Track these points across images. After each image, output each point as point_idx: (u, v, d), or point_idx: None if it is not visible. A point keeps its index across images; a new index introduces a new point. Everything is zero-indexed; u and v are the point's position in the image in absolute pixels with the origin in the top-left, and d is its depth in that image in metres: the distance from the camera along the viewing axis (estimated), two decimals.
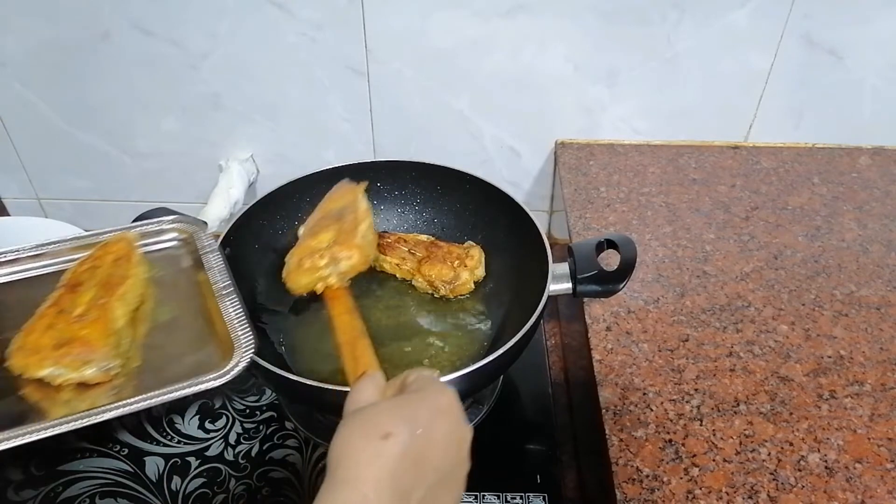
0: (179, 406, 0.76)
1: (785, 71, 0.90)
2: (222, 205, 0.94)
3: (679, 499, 0.55)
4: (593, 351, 0.68)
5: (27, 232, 0.85)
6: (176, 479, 0.69)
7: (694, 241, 0.81)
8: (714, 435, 0.60)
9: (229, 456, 0.72)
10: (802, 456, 0.58)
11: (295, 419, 0.75)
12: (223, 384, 0.53)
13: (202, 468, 0.70)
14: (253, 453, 0.72)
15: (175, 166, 1.05)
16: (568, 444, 0.76)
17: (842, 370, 0.66)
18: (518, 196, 0.77)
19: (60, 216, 1.06)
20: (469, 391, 0.70)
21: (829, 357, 0.67)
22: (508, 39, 0.89)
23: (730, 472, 0.57)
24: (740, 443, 0.59)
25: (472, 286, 0.78)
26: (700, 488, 0.56)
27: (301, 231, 0.70)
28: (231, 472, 0.70)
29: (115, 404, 0.51)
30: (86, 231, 0.69)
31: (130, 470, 0.70)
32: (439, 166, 0.83)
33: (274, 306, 0.76)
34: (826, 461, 0.58)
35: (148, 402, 0.52)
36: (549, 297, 0.65)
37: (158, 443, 0.73)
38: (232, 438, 0.73)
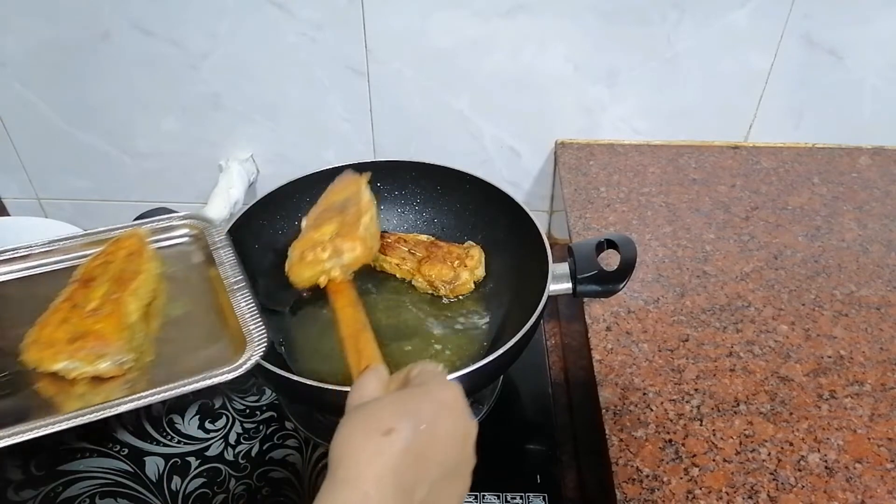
0: (179, 406, 0.76)
1: (785, 71, 0.90)
2: (222, 205, 0.94)
3: (679, 499, 0.55)
4: (593, 351, 0.68)
5: (27, 232, 0.85)
6: (176, 479, 0.69)
7: (694, 241, 0.81)
8: (714, 435, 0.60)
9: (229, 456, 0.72)
10: (802, 456, 0.58)
11: (295, 419, 0.75)
12: (236, 377, 0.53)
13: (202, 468, 0.70)
14: (253, 453, 0.72)
15: (175, 166, 1.05)
16: (568, 444, 0.76)
17: (842, 370, 0.66)
18: (518, 196, 0.77)
19: (60, 216, 1.07)
20: (469, 391, 0.68)
21: (829, 357, 0.67)
22: (508, 39, 0.89)
23: (730, 472, 0.57)
24: (740, 443, 0.59)
25: (472, 286, 0.78)
26: (700, 488, 0.56)
27: (303, 223, 0.69)
28: (231, 472, 0.70)
29: (130, 397, 0.52)
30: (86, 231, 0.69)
31: (130, 470, 0.70)
32: (439, 166, 0.83)
33: (274, 306, 0.76)
34: (826, 461, 0.58)
35: (163, 395, 0.52)
36: (549, 297, 0.65)
37: (158, 443, 0.73)
38: (232, 438, 0.73)
